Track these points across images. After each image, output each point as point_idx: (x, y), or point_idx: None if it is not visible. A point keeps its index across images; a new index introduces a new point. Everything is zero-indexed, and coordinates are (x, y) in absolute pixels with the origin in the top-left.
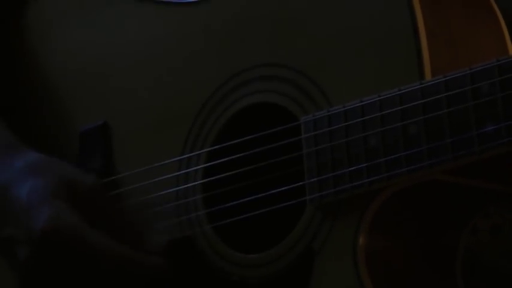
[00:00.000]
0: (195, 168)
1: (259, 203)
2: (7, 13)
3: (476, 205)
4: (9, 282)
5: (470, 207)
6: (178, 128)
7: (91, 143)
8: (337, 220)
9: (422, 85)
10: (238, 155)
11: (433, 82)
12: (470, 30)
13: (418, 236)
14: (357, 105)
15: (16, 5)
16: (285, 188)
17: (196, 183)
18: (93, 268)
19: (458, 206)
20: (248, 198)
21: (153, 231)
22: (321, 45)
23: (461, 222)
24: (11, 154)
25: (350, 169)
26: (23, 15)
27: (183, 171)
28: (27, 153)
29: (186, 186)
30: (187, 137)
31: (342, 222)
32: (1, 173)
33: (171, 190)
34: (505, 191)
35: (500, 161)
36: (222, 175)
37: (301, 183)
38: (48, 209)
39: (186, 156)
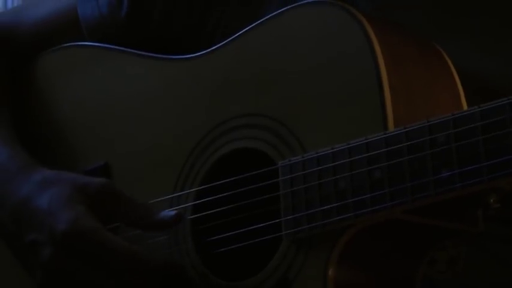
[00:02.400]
0: (185, 205)
1: (242, 237)
2: (22, 62)
3: (434, 240)
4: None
5: (429, 241)
6: (170, 169)
7: None
8: (309, 253)
9: (386, 135)
10: (223, 194)
11: (395, 132)
12: (428, 86)
13: (382, 267)
14: (329, 151)
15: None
16: (264, 224)
17: (186, 218)
18: (109, 267)
19: (418, 240)
20: (232, 233)
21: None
22: (297, 98)
23: (420, 254)
24: (28, 172)
25: (322, 208)
26: (35, 65)
27: (174, 208)
28: (42, 170)
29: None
30: (178, 178)
31: (314, 255)
32: (21, 188)
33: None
34: (458, 228)
35: (454, 203)
36: (209, 212)
37: (278, 220)
38: (68, 214)
39: (177, 194)
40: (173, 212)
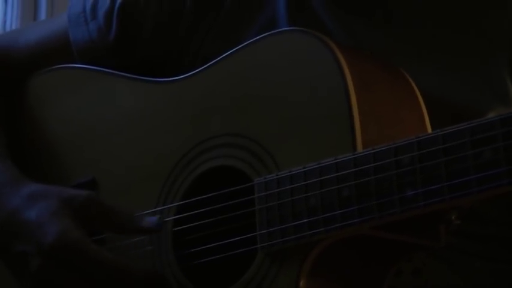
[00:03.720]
0: (166, 219)
1: (220, 249)
2: (15, 82)
3: (400, 253)
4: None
5: (395, 254)
6: (154, 185)
7: None
8: (282, 265)
9: (355, 156)
10: (202, 209)
11: (363, 153)
12: (395, 110)
13: (351, 279)
14: (301, 170)
15: (23, 77)
16: (240, 238)
17: (167, 231)
18: (94, 277)
19: (385, 254)
20: (210, 245)
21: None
22: (272, 120)
23: (387, 266)
24: (17, 185)
25: (294, 223)
26: (27, 85)
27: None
28: (30, 184)
29: (165, 220)
30: (161, 193)
31: (287, 267)
32: (10, 201)
33: (146, 237)
34: (422, 243)
35: (418, 219)
36: (189, 225)
37: (253, 234)
38: (55, 226)
39: (160, 208)
40: (155, 218)
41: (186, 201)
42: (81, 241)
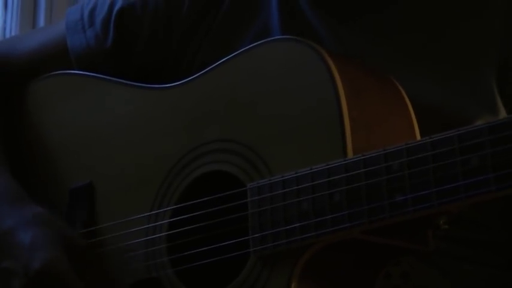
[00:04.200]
0: (161, 222)
1: (213, 252)
2: (14, 88)
3: (389, 257)
4: None
5: (384, 258)
6: (149, 189)
7: (79, 199)
8: (274, 269)
9: (346, 161)
10: (196, 213)
11: (354, 159)
12: (385, 117)
13: (341, 282)
14: (293, 176)
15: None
16: (233, 241)
17: (161, 234)
18: None
19: (374, 257)
20: (203, 248)
21: (125, 274)
22: (265, 126)
23: (376, 269)
24: (19, 205)
25: (286, 228)
26: (26, 91)
27: (152, 225)
28: (33, 206)
29: (153, 236)
30: (156, 197)
31: (279, 270)
32: (11, 218)
33: (141, 240)
34: (411, 247)
35: (407, 224)
36: (183, 228)
37: (246, 237)
38: (45, 254)
39: (155, 212)
40: None
41: (181, 205)
42: (68, 275)
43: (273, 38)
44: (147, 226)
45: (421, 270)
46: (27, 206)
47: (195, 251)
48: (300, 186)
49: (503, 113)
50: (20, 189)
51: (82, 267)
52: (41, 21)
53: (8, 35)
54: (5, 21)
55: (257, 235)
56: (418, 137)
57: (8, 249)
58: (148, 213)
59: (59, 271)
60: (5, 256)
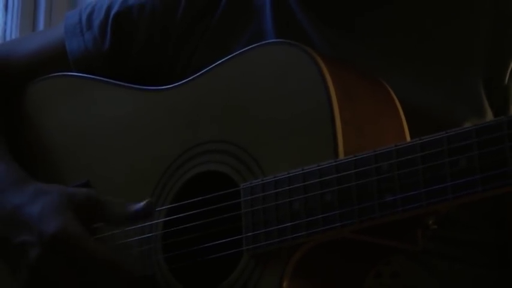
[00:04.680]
0: (157, 221)
1: (208, 251)
2: (14, 90)
3: (379, 256)
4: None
5: (374, 257)
6: (145, 188)
7: None
8: (267, 267)
9: (337, 162)
10: (191, 212)
11: (345, 160)
12: (376, 119)
13: (332, 280)
14: (285, 176)
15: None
16: (226, 240)
17: (157, 233)
18: (88, 271)
19: (364, 256)
20: (197, 247)
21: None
22: (258, 128)
23: (367, 268)
24: (21, 184)
25: (278, 227)
26: (26, 93)
27: (147, 223)
28: (34, 182)
29: (149, 235)
30: (152, 196)
31: (271, 268)
32: (15, 198)
33: (137, 238)
34: (401, 247)
35: (396, 224)
36: (178, 227)
37: (239, 236)
38: (57, 219)
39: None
40: (143, 203)
41: (176, 204)
42: (82, 235)
43: (266, 42)
44: (143, 225)
45: (411, 269)
46: (29, 182)
47: (189, 249)
48: (291, 187)
49: (490, 116)
50: (20, 170)
51: (95, 221)
52: (41, 24)
53: (8, 37)
54: (5, 23)
55: (250, 234)
56: (408, 139)
57: (20, 225)
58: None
59: (72, 233)
60: (18, 231)
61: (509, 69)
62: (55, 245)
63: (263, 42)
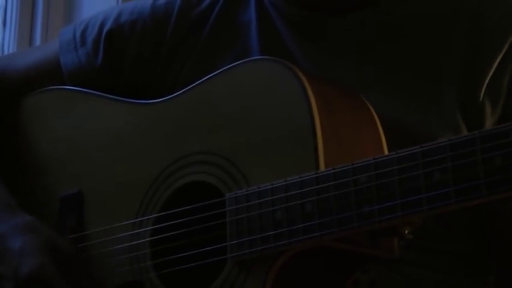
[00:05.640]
0: (145, 229)
1: (194, 258)
2: (9, 103)
3: (357, 263)
4: None
5: (352, 265)
6: (134, 198)
7: (68, 206)
8: (250, 273)
9: (317, 174)
10: (178, 221)
11: (325, 172)
12: (355, 133)
13: (313, 286)
14: (268, 187)
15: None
16: (212, 247)
17: (145, 240)
18: None
19: (343, 264)
20: (184, 254)
21: (111, 277)
22: (243, 140)
23: (345, 276)
24: (9, 213)
25: (261, 235)
26: (21, 105)
27: (136, 231)
28: (23, 214)
29: (137, 242)
30: (141, 205)
31: (254, 275)
32: (1, 224)
33: (126, 245)
34: (378, 255)
35: (374, 233)
36: (166, 235)
37: (224, 244)
38: (33, 260)
39: (139, 219)
40: None
41: (164, 213)
42: (54, 278)
43: (251, 58)
44: (132, 232)
45: (388, 278)
46: (17, 214)
47: (176, 256)
48: (274, 197)
49: (464, 131)
50: (10, 197)
51: (69, 272)
52: (37, 39)
53: (6, 51)
54: (3, 38)
55: (234, 242)
56: (386, 152)
57: (1, 254)
58: (133, 220)
59: (47, 276)
60: None
61: (484, 86)
62: (28, 285)
63: (248, 59)
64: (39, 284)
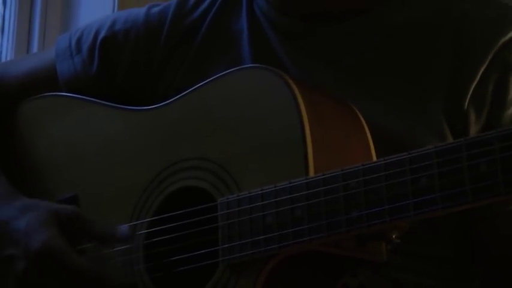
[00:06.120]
0: (139, 232)
1: (186, 261)
2: (6, 109)
3: (346, 267)
4: None
5: (341, 268)
6: (129, 202)
7: None
8: (241, 276)
9: (307, 180)
10: (171, 224)
11: (314, 178)
12: (345, 140)
13: None
14: (259, 192)
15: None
16: (204, 251)
17: (139, 243)
18: (73, 282)
19: (332, 268)
20: (177, 257)
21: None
22: (235, 146)
23: (334, 278)
24: (10, 199)
25: (252, 239)
26: (17, 111)
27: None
28: (22, 198)
29: (131, 245)
30: (135, 209)
31: (245, 278)
32: (3, 212)
33: (120, 248)
34: (366, 259)
35: (362, 237)
36: (159, 238)
37: (215, 248)
38: (42, 235)
39: (133, 223)
40: (126, 228)
41: (157, 217)
42: (65, 250)
43: (243, 66)
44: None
45: (376, 282)
46: (16, 198)
47: (169, 259)
48: (264, 202)
49: (449, 139)
50: (8, 184)
51: (75, 234)
52: (35, 46)
53: (4, 58)
54: (1, 45)
55: (226, 245)
56: (374, 158)
57: (8, 238)
58: (127, 224)
59: (56, 247)
60: (6, 244)
61: (469, 95)
62: (40, 259)
63: (240, 67)
64: (50, 256)
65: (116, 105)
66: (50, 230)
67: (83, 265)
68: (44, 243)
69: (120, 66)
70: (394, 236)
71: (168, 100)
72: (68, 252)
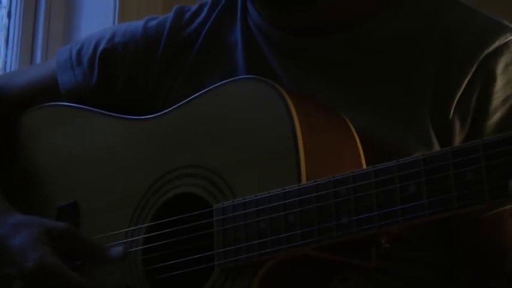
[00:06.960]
0: (137, 237)
1: (183, 265)
2: (8, 118)
3: (336, 271)
4: None
5: (332, 272)
6: (127, 208)
7: (65, 216)
8: (236, 280)
9: (299, 187)
10: (168, 230)
11: (307, 185)
12: (335, 148)
13: None
14: (253, 198)
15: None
16: (200, 255)
17: (137, 248)
18: None
19: (324, 271)
20: (173, 262)
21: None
22: (230, 154)
23: (326, 282)
24: (4, 216)
25: (246, 244)
26: (19, 120)
27: (129, 239)
28: (16, 214)
29: (129, 250)
30: (133, 215)
31: (239, 281)
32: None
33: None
34: (356, 263)
35: (353, 243)
36: (156, 243)
37: (211, 252)
38: (35, 253)
39: (131, 229)
40: (120, 249)
41: (154, 223)
42: (58, 266)
43: (237, 77)
44: (125, 241)
45: (365, 287)
46: (10, 215)
47: (166, 263)
48: (259, 208)
49: (436, 147)
50: (3, 201)
51: (71, 254)
52: (38, 57)
53: (8, 68)
54: (6, 56)
55: (221, 250)
56: (364, 166)
57: (3, 256)
58: (125, 230)
59: (49, 266)
60: (2, 263)
61: (454, 104)
62: (34, 278)
63: (235, 78)
64: (44, 275)
65: (115, 114)
66: (42, 249)
67: (76, 279)
68: (37, 262)
69: (119, 77)
70: (383, 241)
71: (165, 110)
72: (62, 269)
